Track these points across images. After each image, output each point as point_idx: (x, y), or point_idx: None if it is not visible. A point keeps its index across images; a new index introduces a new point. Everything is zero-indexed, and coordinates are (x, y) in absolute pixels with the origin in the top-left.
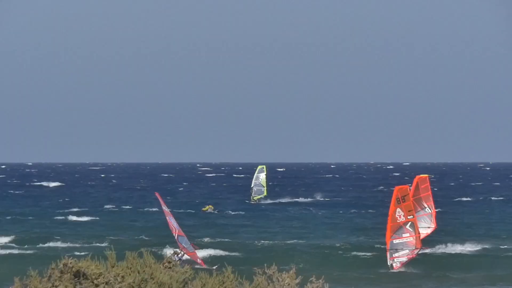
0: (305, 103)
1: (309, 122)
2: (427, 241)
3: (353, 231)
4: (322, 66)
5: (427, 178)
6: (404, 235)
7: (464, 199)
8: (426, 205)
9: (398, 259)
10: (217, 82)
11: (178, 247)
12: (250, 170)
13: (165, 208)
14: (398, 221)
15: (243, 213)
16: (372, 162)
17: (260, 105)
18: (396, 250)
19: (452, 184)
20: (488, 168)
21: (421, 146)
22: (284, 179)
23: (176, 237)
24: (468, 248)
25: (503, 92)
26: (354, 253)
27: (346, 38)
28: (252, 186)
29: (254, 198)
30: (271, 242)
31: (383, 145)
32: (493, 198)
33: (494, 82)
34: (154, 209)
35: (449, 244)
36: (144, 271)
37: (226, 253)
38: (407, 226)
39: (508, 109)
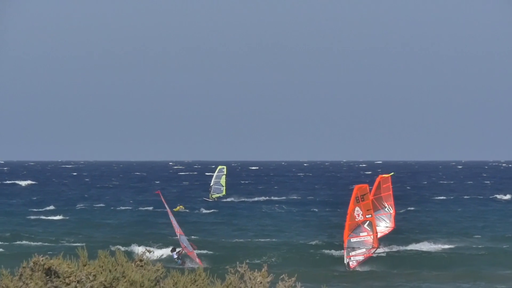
0: (278, 102)
1: (281, 120)
2: (398, 239)
3: (326, 229)
4: (294, 65)
5: (389, 178)
6: (361, 234)
7: (437, 197)
8: (386, 205)
9: (354, 258)
10: (188, 81)
11: (179, 246)
12: None
13: (168, 208)
14: (356, 219)
15: (216, 211)
16: (344, 161)
17: (233, 103)
18: (353, 249)
19: (425, 182)
20: (460, 167)
21: (394, 145)
22: (257, 177)
23: (178, 237)
24: (441, 246)
25: (474, 92)
26: (327, 251)
27: (315, 39)
28: (211, 184)
29: (212, 196)
30: (243, 240)
31: (355, 144)
32: (465, 196)
33: (464, 82)
34: (126, 208)
35: (421, 242)
36: (116, 270)
37: (199, 251)
38: (365, 225)
39: (479, 108)
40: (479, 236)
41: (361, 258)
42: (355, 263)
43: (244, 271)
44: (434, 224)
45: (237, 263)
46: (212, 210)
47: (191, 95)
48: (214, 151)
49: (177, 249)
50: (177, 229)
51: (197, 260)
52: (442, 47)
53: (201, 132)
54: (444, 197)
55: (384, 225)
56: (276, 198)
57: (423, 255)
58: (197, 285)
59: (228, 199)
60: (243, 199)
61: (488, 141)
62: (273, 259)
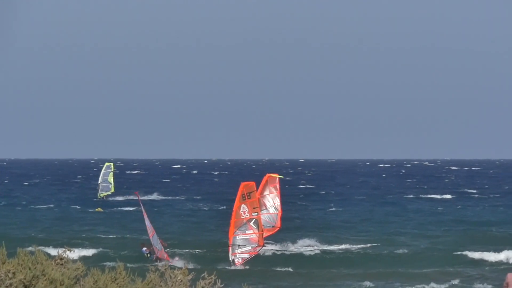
0: (199, 100)
1: (203, 119)
2: (322, 237)
3: None
4: (206, 64)
5: (277, 178)
6: (247, 231)
7: (359, 196)
8: (273, 204)
9: (240, 255)
10: (106, 78)
11: (149, 243)
12: (145, 166)
13: (144, 210)
14: (242, 217)
15: (136, 208)
16: (267, 159)
17: (156, 102)
18: (239, 246)
19: (346, 180)
20: (381, 165)
21: (315, 143)
22: (180, 175)
23: (151, 239)
24: (362, 245)
25: (397, 91)
26: None
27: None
28: (98, 182)
29: (100, 195)
30: (166, 237)
31: (277, 142)
32: (388, 195)
33: (383, 81)
34: (48, 205)
35: (343, 241)
36: (35, 268)
37: (118, 250)
38: (251, 223)
39: (402, 105)
40: (402, 236)
41: (246, 256)
42: (240, 261)
43: (165, 269)
44: (354, 222)
45: (157, 261)
46: (135, 208)
47: (114, 93)
48: (136, 148)
49: (145, 248)
50: (150, 231)
51: (165, 256)
52: (368, 42)
53: (123, 129)
54: (365, 196)
55: (270, 225)
56: (199, 197)
57: (346, 254)
58: (117, 283)
59: (151, 197)
60: (166, 197)
61: (410, 139)
62: (194, 260)
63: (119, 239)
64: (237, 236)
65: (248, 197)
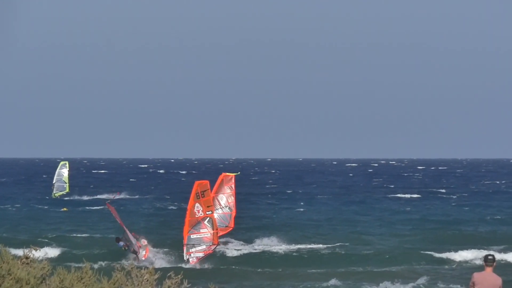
0: (166, 99)
1: (170, 117)
2: (289, 237)
3: None
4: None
5: (233, 178)
6: (202, 230)
7: (324, 195)
8: (227, 204)
9: (194, 254)
10: (74, 77)
11: (122, 237)
12: (112, 165)
13: (119, 220)
14: (196, 216)
15: (102, 207)
16: (234, 158)
17: (122, 101)
18: (193, 245)
19: (314, 180)
20: (348, 164)
21: (282, 143)
22: (148, 174)
23: (129, 236)
24: (327, 244)
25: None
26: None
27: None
28: (54, 182)
29: (55, 194)
30: None
31: (243, 141)
32: (356, 194)
33: (346, 80)
34: (14, 205)
35: (311, 241)
36: (1, 267)
37: (85, 249)
38: (205, 222)
39: (368, 106)
40: (370, 235)
41: (201, 254)
42: (195, 260)
43: (132, 268)
44: (322, 221)
45: (123, 260)
46: (101, 207)
47: (79, 91)
48: (102, 148)
49: (122, 243)
50: (126, 230)
51: (138, 247)
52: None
53: (89, 128)
54: (332, 195)
55: (224, 225)
56: (166, 196)
57: (313, 253)
58: (83, 283)
59: (118, 196)
60: (133, 196)
61: (377, 139)
62: (161, 255)
63: (86, 238)
64: (191, 235)
65: (202, 195)
